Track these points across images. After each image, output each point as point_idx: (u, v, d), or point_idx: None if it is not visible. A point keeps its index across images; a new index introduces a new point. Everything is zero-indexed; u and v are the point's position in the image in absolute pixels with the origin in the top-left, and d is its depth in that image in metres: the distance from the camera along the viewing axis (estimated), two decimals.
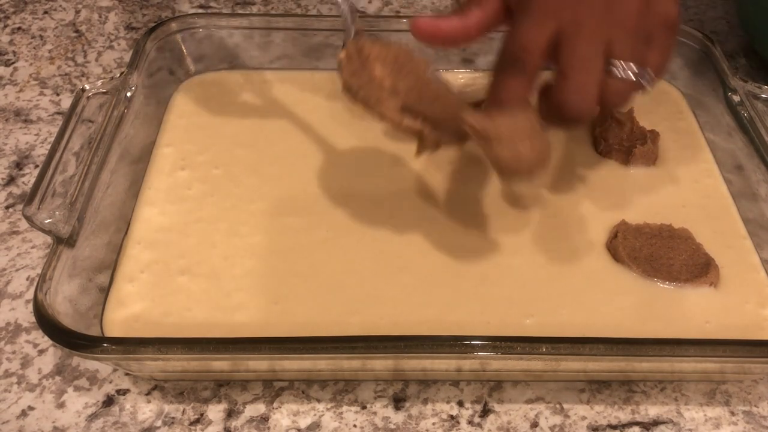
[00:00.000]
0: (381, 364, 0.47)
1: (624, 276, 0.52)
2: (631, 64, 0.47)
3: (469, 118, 0.46)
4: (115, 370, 0.49)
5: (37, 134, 0.65)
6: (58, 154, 0.52)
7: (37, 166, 0.62)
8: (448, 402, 0.48)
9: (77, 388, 0.48)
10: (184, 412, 0.47)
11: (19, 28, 0.77)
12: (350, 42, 0.50)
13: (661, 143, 0.61)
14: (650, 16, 0.47)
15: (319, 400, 0.48)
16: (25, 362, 0.49)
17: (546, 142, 0.47)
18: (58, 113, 0.67)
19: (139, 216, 0.56)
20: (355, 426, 0.47)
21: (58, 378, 0.49)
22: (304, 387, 0.48)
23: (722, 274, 0.52)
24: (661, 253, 0.53)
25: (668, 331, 0.49)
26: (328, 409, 0.47)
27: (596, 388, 0.49)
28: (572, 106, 0.46)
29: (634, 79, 0.47)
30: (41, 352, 0.50)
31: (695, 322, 0.50)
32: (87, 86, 0.57)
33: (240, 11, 0.80)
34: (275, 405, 0.47)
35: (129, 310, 0.50)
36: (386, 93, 0.48)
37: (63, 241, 0.48)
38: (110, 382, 0.48)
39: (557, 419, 0.47)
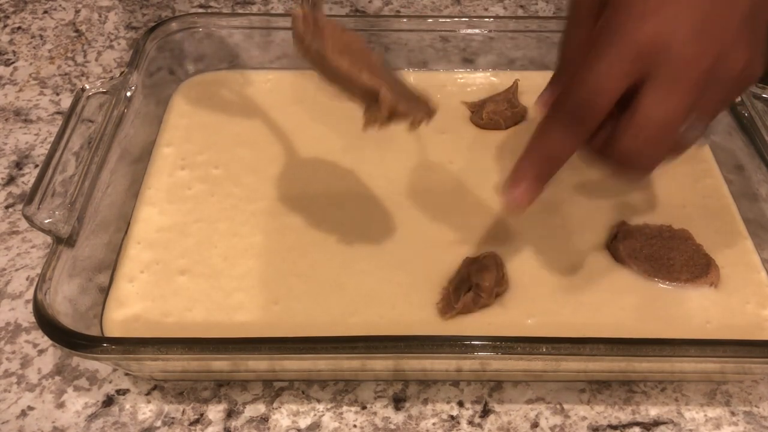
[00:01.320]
0: (381, 364, 0.47)
1: (624, 276, 0.52)
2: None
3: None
4: (114, 370, 0.49)
5: (37, 134, 0.65)
6: (57, 154, 0.52)
7: (37, 165, 0.62)
8: (448, 402, 0.48)
9: (77, 388, 0.48)
10: (184, 412, 0.47)
11: (19, 28, 0.77)
12: (307, 10, 0.45)
13: None
14: (745, 77, 0.40)
15: (319, 400, 0.48)
16: (25, 362, 0.49)
17: None
18: (58, 113, 0.67)
19: (139, 216, 0.56)
20: (355, 426, 0.46)
21: (57, 378, 0.48)
22: (304, 387, 0.48)
23: (722, 274, 0.52)
24: (661, 254, 0.53)
25: (668, 331, 0.49)
26: (328, 409, 0.47)
27: (596, 388, 0.49)
28: (643, 164, 0.40)
29: (697, 137, 0.41)
30: (41, 352, 0.50)
31: (695, 322, 0.50)
32: (87, 86, 0.57)
33: (240, 11, 0.79)
34: (275, 405, 0.47)
35: (129, 310, 0.50)
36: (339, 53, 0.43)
37: (63, 241, 0.48)
38: (110, 382, 0.48)
39: (557, 419, 0.47)
